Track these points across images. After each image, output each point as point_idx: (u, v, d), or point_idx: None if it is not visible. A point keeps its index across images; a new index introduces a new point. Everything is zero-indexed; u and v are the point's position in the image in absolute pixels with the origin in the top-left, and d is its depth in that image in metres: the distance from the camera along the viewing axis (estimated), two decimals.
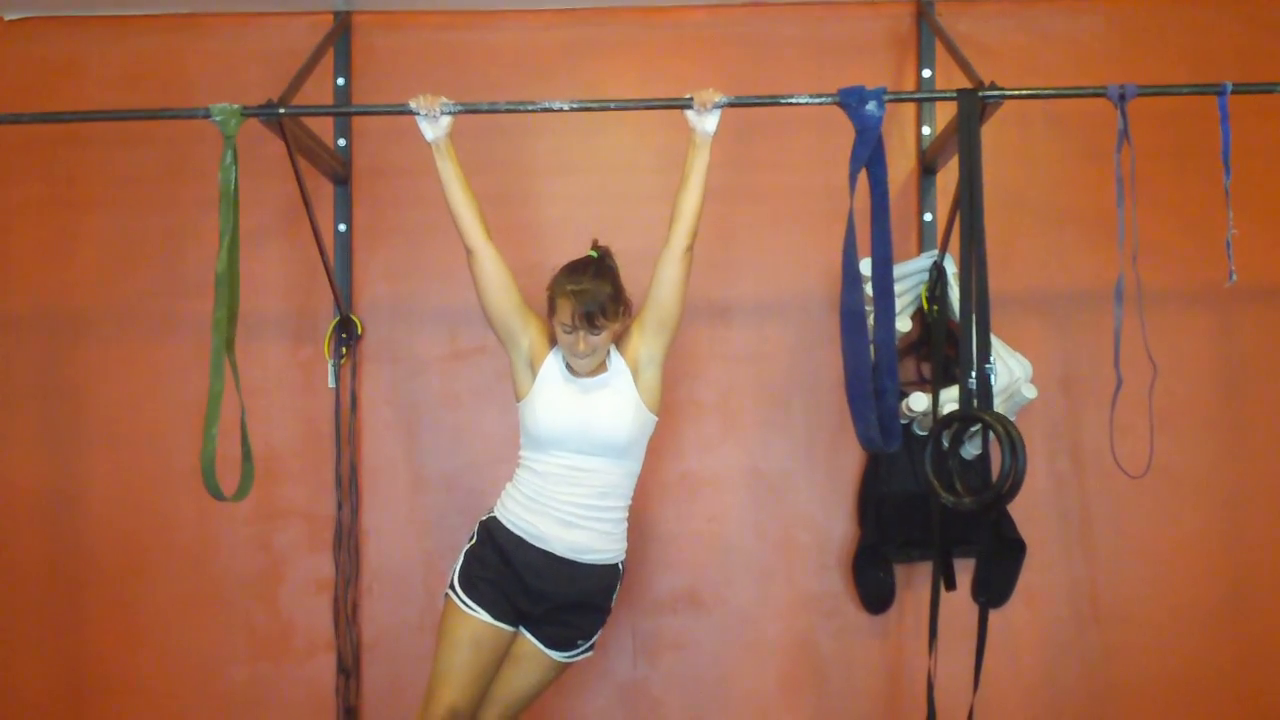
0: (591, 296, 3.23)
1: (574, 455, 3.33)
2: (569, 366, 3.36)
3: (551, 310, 3.33)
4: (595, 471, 3.34)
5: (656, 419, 3.45)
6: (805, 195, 4.25)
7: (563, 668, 3.42)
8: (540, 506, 3.34)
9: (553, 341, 3.41)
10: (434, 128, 3.33)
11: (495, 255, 3.34)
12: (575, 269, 3.32)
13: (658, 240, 3.33)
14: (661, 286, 3.33)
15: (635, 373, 3.39)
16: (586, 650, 3.44)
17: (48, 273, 4.33)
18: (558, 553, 3.33)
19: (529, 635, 3.37)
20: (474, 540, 3.42)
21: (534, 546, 3.33)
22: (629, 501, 3.45)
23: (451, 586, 3.36)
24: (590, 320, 3.23)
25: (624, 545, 3.47)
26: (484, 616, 3.30)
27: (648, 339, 3.38)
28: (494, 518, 3.41)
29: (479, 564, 3.36)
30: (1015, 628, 4.18)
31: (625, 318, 3.39)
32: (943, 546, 3.92)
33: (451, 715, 3.24)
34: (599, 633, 3.45)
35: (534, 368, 3.39)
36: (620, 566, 3.46)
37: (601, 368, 3.38)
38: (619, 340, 3.43)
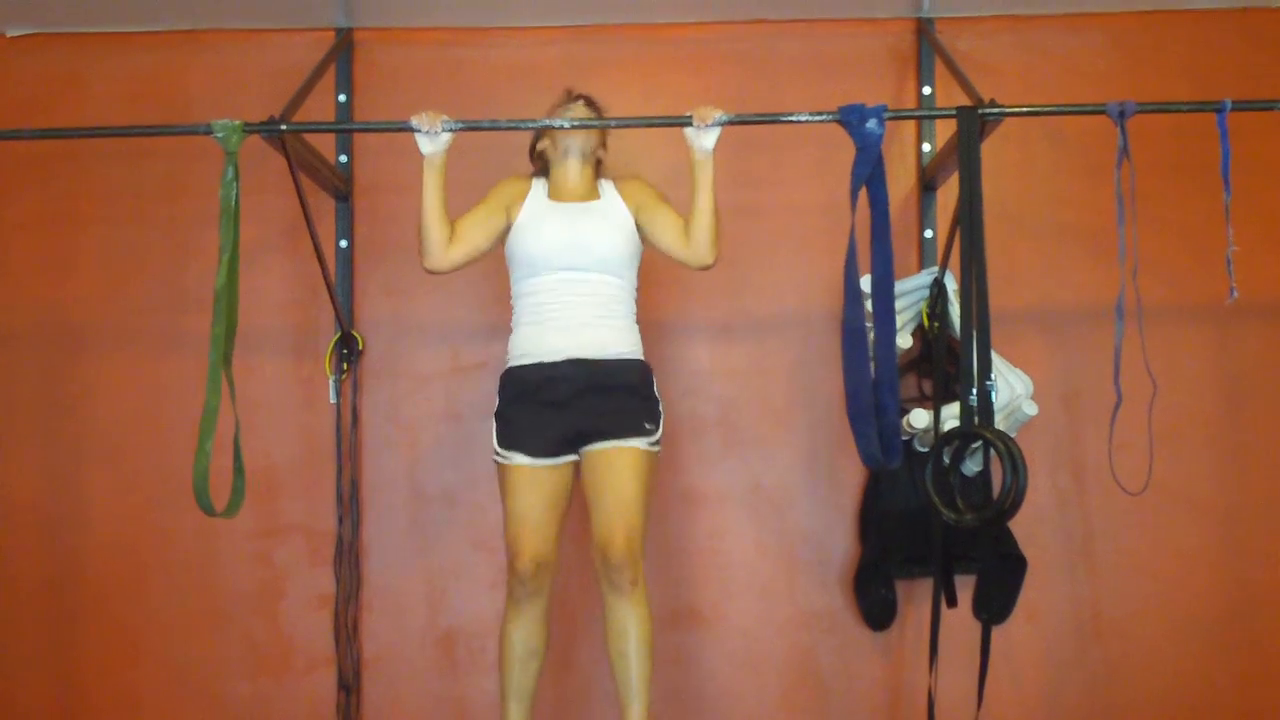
0: (587, 94, 3.59)
1: (567, 271, 3.36)
2: (553, 194, 3.49)
3: (540, 137, 3.58)
4: (591, 284, 3.37)
5: (643, 249, 3.51)
6: (806, 212, 4.26)
7: (644, 458, 3.30)
8: (544, 323, 3.37)
9: (527, 180, 3.56)
10: (433, 144, 3.35)
11: (462, 235, 3.43)
12: None
13: (660, 257, 3.45)
14: (660, 239, 3.44)
15: (635, 213, 3.47)
16: (654, 436, 3.35)
17: (48, 288, 4.33)
18: (575, 355, 3.33)
19: (589, 447, 3.31)
20: (498, 403, 3.42)
21: (551, 363, 3.33)
22: (632, 313, 3.46)
23: (494, 451, 3.36)
24: (590, 101, 3.55)
25: (639, 345, 3.45)
26: (523, 460, 3.29)
27: (644, 216, 3.45)
28: (507, 369, 3.43)
29: (505, 419, 3.37)
30: (1016, 644, 4.17)
31: (605, 143, 3.61)
32: (944, 563, 3.92)
33: (536, 564, 3.21)
34: (660, 421, 3.39)
35: (516, 213, 3.47)
36: (643, 361, 3.45)
37: (592, 194, 3.50)
38: (618, 179, 3.57)
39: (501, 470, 3.35)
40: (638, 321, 3.48)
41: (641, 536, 3.22)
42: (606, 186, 3.53)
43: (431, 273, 3.46)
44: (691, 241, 3.38)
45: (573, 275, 3.36)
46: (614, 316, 3.40)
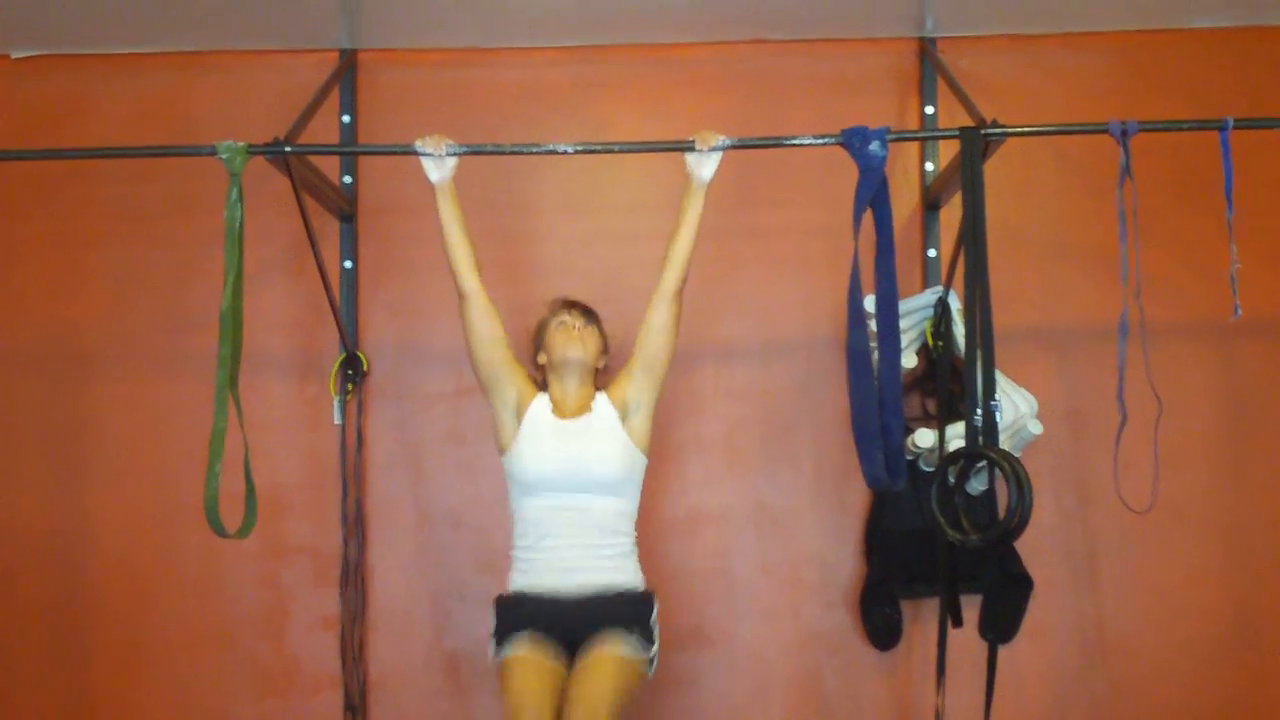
0: (583, 303, 3.56)
1: (564, 495, 3.36)
2: (554, 410, 3.45)
3: (541, 334, 3.53)
4: (587, 510, 3.36)
5: (646, 460, 3.49)
6: (809, 232, 4.26)
7: (624, 665, 3.22)
8: (539, 559, 3.36)
9: (538, 388, 3.51)
10: (439, 168, 3.36)
11: (488, 302, 3.43)
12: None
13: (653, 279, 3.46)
14: (651, 331, 3.42)
15: (623, 416, 3.46)
16: (641, 648, 3.29)
17: (54, 308, 4.34)
18: (571, 597, 3.31)
19: (581, 651, 3.25)
20: (494, 619, 3.40)
21: (546, 599, 3.33)
22: (632, 540, 3.46)
23: (493, 657, 3.36)
24: (586, 310, 3.53)
25: (640, 578, 3.43)
26: (524, 652, 3.25)
27: (636, 383, 3.46)
28: (502, 595, 3.43)
29: (503, 628, 3.35)
30: (1022, 664, 4.16)
31: (607, 349, 3.59)
32: (949, 583, 3.91)
33: None
34: (655, 633, 3.36)
35: (520, 415, 3.46)
36: (645, 590, 3.43)
37: (587, 409, 3.46)
38: (607, 386, 3.53)
39: (502, 667, 3.30)
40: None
41: None
42: (599, 400, 3.50)
43: (463, 295, 3.41)
44: (666, 264, 3.38)
45: (569, 499, 3.36)
46: (612, 550, 3.39)
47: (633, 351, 3.48)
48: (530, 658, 3.23)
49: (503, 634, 3.34)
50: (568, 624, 3.30)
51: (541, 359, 3.55)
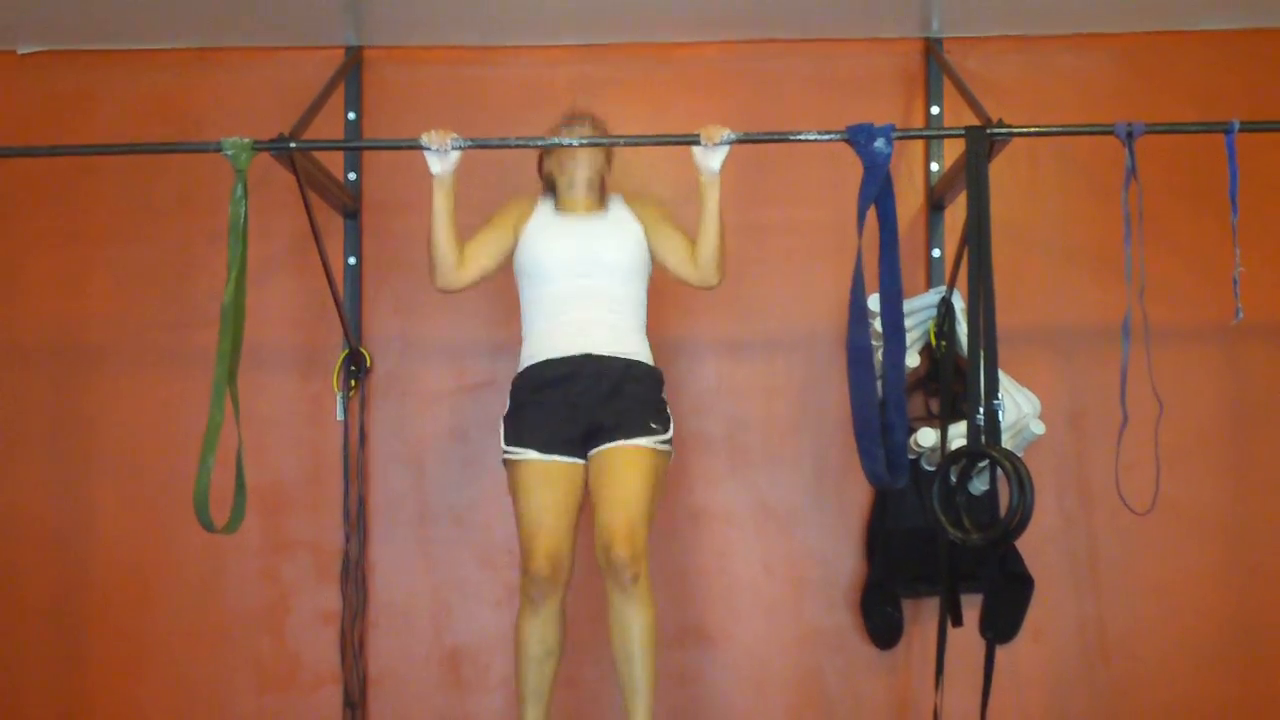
0: (585, 114, 3.57)
1: (576, 278, 3.42)
2: (560, 209, 3.55)
3: (545, 156, 3.61)
4: (599, 290, 3.42)
5: (651, 269, 3.55)
6: (814, 230, 4.26)
7: (647, 455, 3.30)
8: (550, 331, 3.41)
9: (532, 207, 3.59)
10: (442, 162, 3.37)
11: (471, 256, 3.50)
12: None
13: (667, 276, 3.49)
14: (670, 260, 3.50)
15: (639, 224, 3.52)
16: (661, 436, 3.36)
17: (59, 304, 4.34)
18: (589, 350, 3.36)
19: (595, 449, 3.32)
20: (509, 405, 3.45)
21: (564, 358, 3.36)
22: (642, 321, 3.50)
23: (503, 450, 3.38)
24: (591, 123, 3.52)
25: (649, 355, 3.47)
26: (533, 455, 3.30)
27: (651, 234, 3.51)
28: (519, 373, 3.46)
29: (516, 417, 3.39)
30: (1022, 663, 4.16)
31: (611, 157, 3.63)
32: (950, 582, 3.91)
33: (551, 560, 3.19)
34: (668, 424, 3.39)
35: (522, 228, 3.53)
36: (653, 365, 3.47)
37: (600, 207, 3.56)
38: (627, 199, 3.61)
39: (511, 469, 3.35)
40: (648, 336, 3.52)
41: (644, 531, 3.19)
42: (615, 200, 3.58)
43: (443, 291, 3.51)
44: (699, 263, 3.43)
45: (582, 283, 3.41)
46: (626, 317, 3.44)
47: (667, 232, 3.52)
48: (541, 467, 3.30)
49: (513, 428, 3.39)
50: (583, 408, 3.33)
51: (548, 166, 3.60)
